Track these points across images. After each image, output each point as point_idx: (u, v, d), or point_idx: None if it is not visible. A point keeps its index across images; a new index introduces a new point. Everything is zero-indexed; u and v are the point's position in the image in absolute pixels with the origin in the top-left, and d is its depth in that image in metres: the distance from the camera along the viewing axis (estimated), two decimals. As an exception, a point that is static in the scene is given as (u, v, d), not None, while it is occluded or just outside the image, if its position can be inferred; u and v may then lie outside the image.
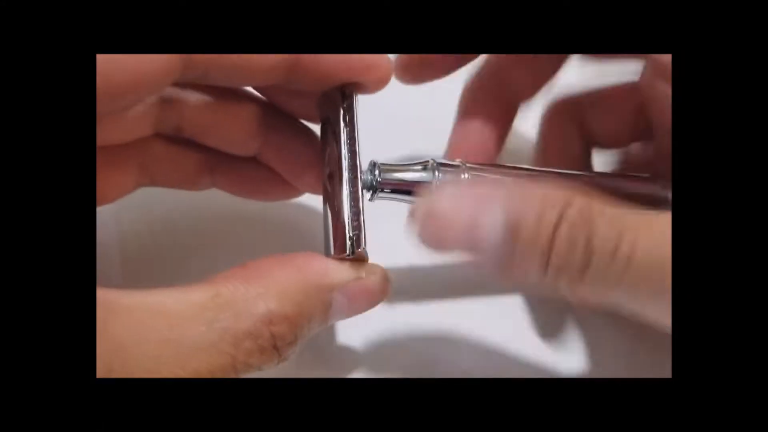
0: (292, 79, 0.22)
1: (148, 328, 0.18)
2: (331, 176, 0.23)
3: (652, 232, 0.19)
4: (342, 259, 0.22)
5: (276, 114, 0.25)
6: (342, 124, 0.22)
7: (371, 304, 0.22)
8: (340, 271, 0.21)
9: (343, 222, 0.22)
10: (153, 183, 0.26)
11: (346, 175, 0.22)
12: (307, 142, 0.25)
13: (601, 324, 0.27)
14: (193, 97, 0.24)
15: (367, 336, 0.27)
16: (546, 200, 0.19)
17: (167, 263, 0.28)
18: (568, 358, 0.27)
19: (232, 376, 0.19)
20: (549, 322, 0.27)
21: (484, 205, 0.19)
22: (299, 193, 0.26)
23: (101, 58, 0.19)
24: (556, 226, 0.18)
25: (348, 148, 0.22)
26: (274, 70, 0.22)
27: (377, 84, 0.23)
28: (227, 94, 0.24)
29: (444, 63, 0.26)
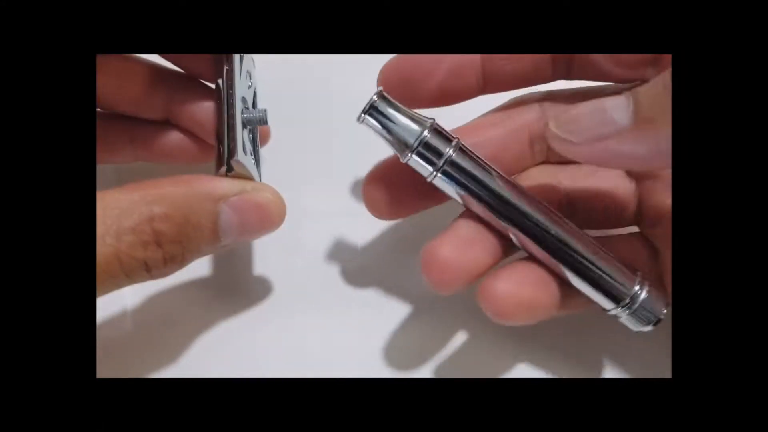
0: None
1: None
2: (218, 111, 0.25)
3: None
4: (227, 176, 0.23)
5: (178, 75, 0.27)
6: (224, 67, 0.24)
7: (263, 223, 0.23)
8: (224, 184, 0.22)
9: (222, 140, 0.23)
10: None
11: (224, 103, 0.24)
12: (212, 96, 0.26)
13: (601, 324, 0.27)
14: (102, 63, 0.25)
15: (367, 335, 0.27)
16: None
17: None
18: (567, 359, 0.27)
19: (118, 270, 0.20)
20: (549, 322, 0.27)
21: (602, 98, 0.21)
22: (210, 157, 0.27)
23: None
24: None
25: (226, 84, 0.24)
26: None
27: None
28: (131, 59, 0.26)
29: (434, 87, 0.25)
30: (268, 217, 0.23)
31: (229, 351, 0.26)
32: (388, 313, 0.27)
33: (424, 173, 0.23)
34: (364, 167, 0.25)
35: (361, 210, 0.25)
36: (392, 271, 0.28)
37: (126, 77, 0.26)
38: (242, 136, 0.24)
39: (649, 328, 0.24)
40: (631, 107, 0.20)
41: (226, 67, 0.25)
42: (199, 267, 0.28)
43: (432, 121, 0.23)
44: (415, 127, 0.22)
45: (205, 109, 0.26)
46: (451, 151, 0.22)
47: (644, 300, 0.23)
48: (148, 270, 0.21)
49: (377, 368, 0.26)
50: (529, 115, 0.26)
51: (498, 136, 0.25)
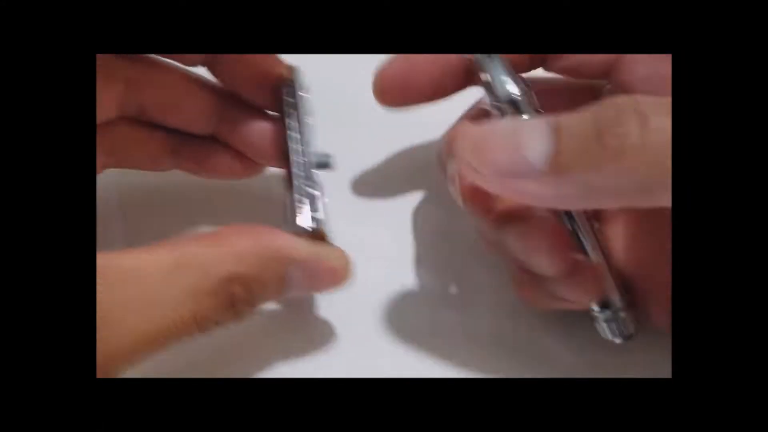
0: (215, 73, 0.26)
1: (119, 284, 0.19)
2: (287, 156, 0.25)
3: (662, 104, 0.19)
4: (301, 235, 0.23)
5: (232, 97, 0.27)
6: (290, 109, 0.25)
7: (330, 285, 0.23)
8: (296, 247, 0.22)
9: (300, 199, 0.24)
10: (119, 165, 0.27)
11: (298, 153, 0.24)
12: (263, 118, 0.27)
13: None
14: (155, 78, 0.26)
15: (365, 336, 0.27)
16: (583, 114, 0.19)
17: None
18: (567, 358, 0.27)
19: (194, 329, 0.20)
20: (549, 321, 0.27)
21: (522, 123, 0.20)
22: (260, 170, 0.28)
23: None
24: (598, 113, 0.18)
25: (298, 130, 0.25)
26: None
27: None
28: (185, 77, 0.26)
29: (428, 87, 0.25)
30: (335, 280, 0.23)
31: (229, 351, 0.26)
32: (388, 313, 0.27)
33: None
34: (361, 166, 0.25)
35: (362, 210, 0.25)
36: (392, 271, 0.28)
37: (177, 92, 0.26)
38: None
39: (619, 341, 0.25)
40: (548, 147, 0.18)
41: (289, 106, 0.25)
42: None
43: (529, 88, 0.23)
44: (516, 90, 0.23)
45: (256, 129, 0.27)
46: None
47: (626, 313, 0.24)
48: (218, 325, 0.21)
49: (377, 368, 0.26)
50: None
51: None
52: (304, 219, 0.23)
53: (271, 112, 0.27)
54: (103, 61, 0.25)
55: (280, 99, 0.26)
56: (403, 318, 0.27)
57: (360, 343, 0.27)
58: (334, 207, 0.28)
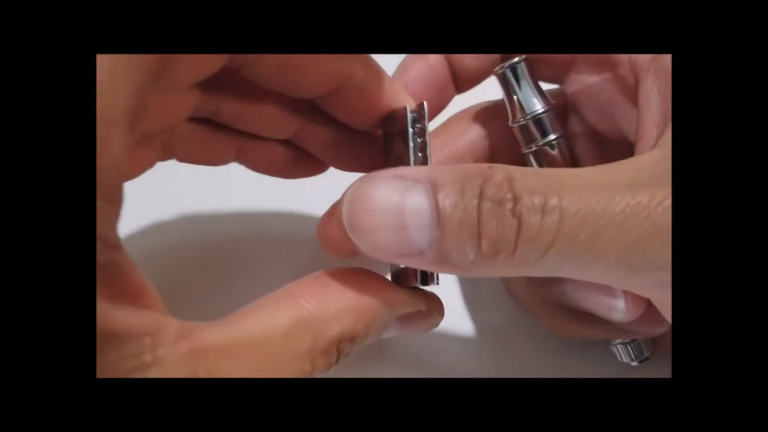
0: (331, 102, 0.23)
1: (246, 362, 0.20)
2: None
3: (576, 183, 0.18)
4: (411, 288, 0.22)
5: (317, 110, 0.25)
6: (412, 137, 0.22)
7: (424, 330, 0.23)
8: (406, 302, 0.21)
9: None
10: (174, 158, 0.26)
11: None
12: (346, 128, 0.25)
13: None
14: (234, 89, 0.24)
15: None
16: (465, 176, 0.18)
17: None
18: (568, 358, 0.27)
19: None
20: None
21: (407, 188, 0.18)
22: (324, 169, 0.27)
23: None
24: (480, 201, 0.18)
25: (419, 161, 0.22)
26: (319, 87, 0.22)
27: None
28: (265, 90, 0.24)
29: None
30: (429, 326, 0.23)
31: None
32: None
33: (521, 141, 0.24)
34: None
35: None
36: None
37: (259, 104, 0.24)
38: None
39: (635, 364, 0.25)
40: (430, 235, 0.18)
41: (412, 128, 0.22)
42: (200, 267, 0.28)
43: (552, 106, 0.23)
44: (537, 103, 0.23)
45: (331, 130, 0.25)
46: (552, 138, 0.23)
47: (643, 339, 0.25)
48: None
49: (377, 368, 0.26)
50: (471, 136, 0.26)
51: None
52: (417, 277, 0.22)
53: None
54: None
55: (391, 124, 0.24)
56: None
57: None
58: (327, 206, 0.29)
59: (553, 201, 0.17)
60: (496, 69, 0.24)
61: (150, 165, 0.25)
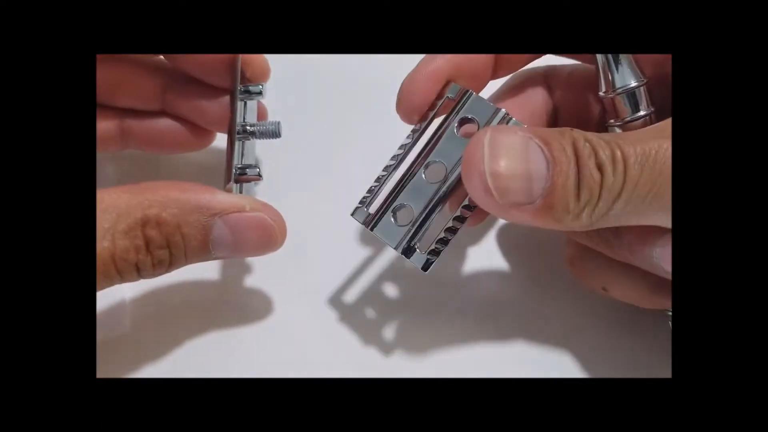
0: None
1: None
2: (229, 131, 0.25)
3: (635, 137, 0.20)
4: (229, 191, 0.23)
5: (178, 73, 0.27)
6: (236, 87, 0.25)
7: (258, 244, 0.23)
8: (223, 198, 0.22)
9: (231, 155, 0.24)
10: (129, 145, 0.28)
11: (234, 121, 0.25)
12: (210, 89, 0.27)
13: (600, 324, 0.27)
14: (100, 60, 0.26)
15: (363, 336, 0.27)
16: (560, 139, 0.20)
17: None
18: (568, 358, 0.27)
19: (113, 271, 0.21)
20: (549, 321, 0.27)
21: (530, 151, 0.20)
22: (208, 142, 0.28)
23: None
24: (578, 158, 0.20)
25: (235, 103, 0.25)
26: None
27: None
28: (132, 56, 0.27)
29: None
30: (265, 238, 0.23)
31: (229, 351, 0.26)
32: (385, 312, 0.27)
33: (610, 112, 0.24)
34: (366, 166, 0.25)
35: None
36: (394, 271, 0.28)
37: (122, 70, 0.27)
38: (253, 150, 0.25)
39: None
40: (546, 184, 0.20)
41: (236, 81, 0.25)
42: (200, 267, 0.28)
43: (645, 81, 0.23)
44: (632, 77, 0.23)
45: (204, 98, 0.27)
46: (643, 112, 0.23)
47: None
48: (138, 272, 0.21)
49: (377, 369, 0.26)
50: (536, 98, 0.26)
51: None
52: (231, 175, 0.24)
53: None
54: None
55: (232, 80, 0.26)
56: (402, 318, 0.27)
57: (360, 344, 0.27)
58: (329, 206, 0.29)
59: (618, 153, 0.20)
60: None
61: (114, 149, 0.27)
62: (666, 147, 0.19)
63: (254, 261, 0.28)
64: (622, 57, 0.23)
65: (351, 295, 0.28)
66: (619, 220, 0.20)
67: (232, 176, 0.24)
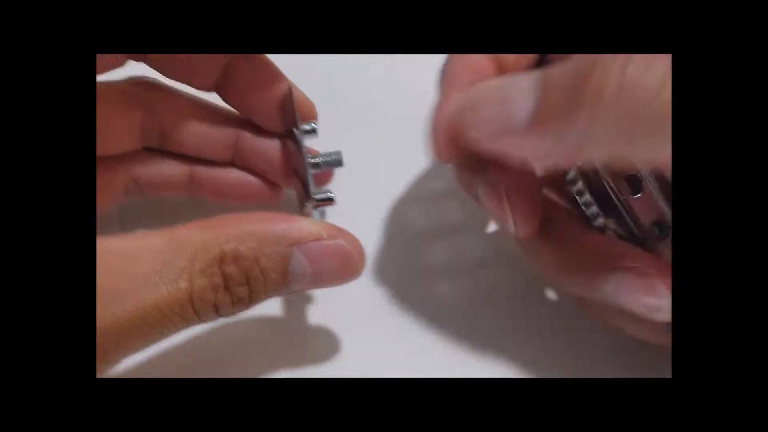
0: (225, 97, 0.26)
1: (116, 268, 0.19)
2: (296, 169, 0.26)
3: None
4: (308, 215, 0.23)
5: (246, 121, 0.27)
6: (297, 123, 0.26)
7: (338, 273, 0.22)
8: (301, 226, 0.21)
9: (305, 182, 0.24)
10: (140, 191, 0.27)
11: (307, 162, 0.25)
12: (275, 137, 0.27)
13: (600, 323, 0.27)
14: (171, 103, 0.26)
15: (363, 336, 0.27)
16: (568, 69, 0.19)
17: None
18: (567, 358, 0.27)
19: (191, 313, 0.20)
20: (549, 321, 0.27)
21: (511, 79, 0.19)
22: (278, 198, 0.28)
23: None
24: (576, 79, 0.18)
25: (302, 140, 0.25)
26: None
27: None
28: (199, 102, 0.27)
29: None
30: (345, 267, 0.22)
31: (229, 351, 0.26)
32: (385, 313, 0.27)
33: None
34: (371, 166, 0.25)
35: (366, 209, 0.25)
36: (395, 271, 0.28)
37: (194, 116, 0.27)
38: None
39: None
40: (533, 99, 0.18)
41: (293, 121, 0.26)
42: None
43: None
44: None
45: (274, 147, 0.27)
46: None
47: None
48: (217, 311, 0.20)
49: (377, 368, 0.26)
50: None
51: None
52: (311, 198, 0.23)
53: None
54: (121, 88, 0.26)
55: (288, 115, 0.26)
56: (401, 317, 0.27)
57: (359, 343, 0.27)
58: (347, 209, 0.29)
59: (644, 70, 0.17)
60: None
61: (117, 198, 0.27)
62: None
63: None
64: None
65: (351, 295, 0.28)
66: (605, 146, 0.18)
67: (311, 201, 0.23)
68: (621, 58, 0.17)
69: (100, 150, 0.25)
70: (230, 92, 0.27)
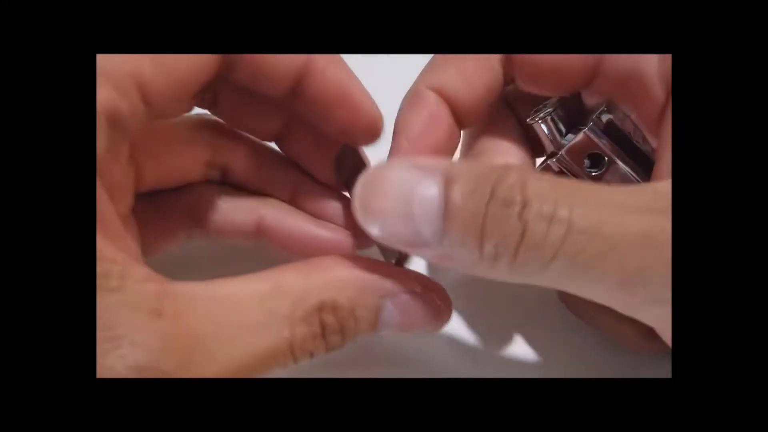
0: (284, 148, 0.25)
1: (220, 316, 0.19)
2: None
3: (590, 197, 0.18)
4: (399, 268, 0.22)
5: (304, 172, 0.26)
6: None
7: (425, 323, 0.22)
8: (392, 278, 0.21)
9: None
10: (204, 232, 0.26)
11: None
12: (333, 192, 0.26)
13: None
14: (238, 143, 0.26)
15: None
16: (479, 174, 0.18)
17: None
18: (568, 358, 0.27)
19: (289, 358, 0.20)
20: (549, 321, 0.27)
21: (421, 177, 0.18)
22: (347, 243, 0.26)
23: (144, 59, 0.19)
24: (489, 201, 0.17)
25: None
26: (288, 72, 0.22)
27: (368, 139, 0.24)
28: (264, 146, 0.26)
29: None
30: (433, 319, 0.22)
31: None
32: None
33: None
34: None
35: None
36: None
37: (260, 157, 0.26)
38: None
39: None
40: (437, 226, 0.18)
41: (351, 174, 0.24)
42: (201, 267, 0.28)
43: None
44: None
45: (331, 202, 0.26)
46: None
47: None
48: (311, 356, 0.21)
49: (373, 368, 0.26)
50: (508, 128, 0.26)
51: None
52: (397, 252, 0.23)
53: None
54: (187, 121, 0.25)
55: (341, 167, 0.25)
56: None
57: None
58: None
59: (563, 212, 0.17)
60: (528, 120, 0.24)
61: (177, 238, 0.26)
62: (628, 224, 0.17)
63: (255, 259, 0.28)
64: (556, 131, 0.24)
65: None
66: (559, 283, 0.18)
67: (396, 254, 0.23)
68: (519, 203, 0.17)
69: (163, 181, 0.24)
70: (288, 143, 0.26)
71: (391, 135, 0.24)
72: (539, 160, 0.26)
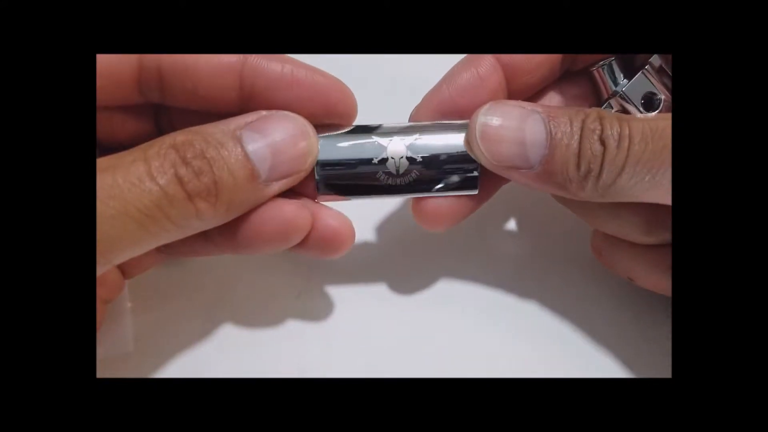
0: (244, 84, 0.23)
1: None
2: None
3: (645, 119, 0.22)
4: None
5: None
6: None
7: (295, 135, 0.22)
8: (238, 117, 0.22)
9: None
10: (169, 256, 0.26)
11: None
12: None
13: (600, 324, 0.27)
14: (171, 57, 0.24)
15: (363, 337, 0.27)
16: (571, 113, 0.22)
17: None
18: (568, 358, 0.27)
19: (162, 199, 0.20)
20: (548, 321, 0.27)
21: (529, 114, 0.22)
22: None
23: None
24: (582, 131, 0.22)
25: None
26: (225, 74, 0.23)
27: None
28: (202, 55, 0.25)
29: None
30: (295, 127, 0.22)
31: (229, 351, 0.26)
32: (386, 313, 0.27)
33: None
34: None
35: (368, 207, 0.25)
36: (396, 270, 0.28)
37: (191, 62, 0.24)
38: None
39: None
40: (544, 152, 0.22)
41: None
42: (201, 266, 0.28)
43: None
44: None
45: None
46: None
47: None
48: (190, 199, 0.20)
49: (377, 368, 0.26)
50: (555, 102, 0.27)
51: None
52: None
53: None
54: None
55: None
56: (398, 317, 0.27)
57: (356, 342, 0.27)
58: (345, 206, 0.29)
59: (625, 130, 0.21)
60: (591, 69, 0.25)
61: (150, 265, 0.26)
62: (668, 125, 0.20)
63: (255, 261, 0.28)
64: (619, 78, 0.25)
65: (350, 294, 0.28)
66: (626, 194, 0.22)
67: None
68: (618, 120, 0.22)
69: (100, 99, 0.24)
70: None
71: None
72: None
